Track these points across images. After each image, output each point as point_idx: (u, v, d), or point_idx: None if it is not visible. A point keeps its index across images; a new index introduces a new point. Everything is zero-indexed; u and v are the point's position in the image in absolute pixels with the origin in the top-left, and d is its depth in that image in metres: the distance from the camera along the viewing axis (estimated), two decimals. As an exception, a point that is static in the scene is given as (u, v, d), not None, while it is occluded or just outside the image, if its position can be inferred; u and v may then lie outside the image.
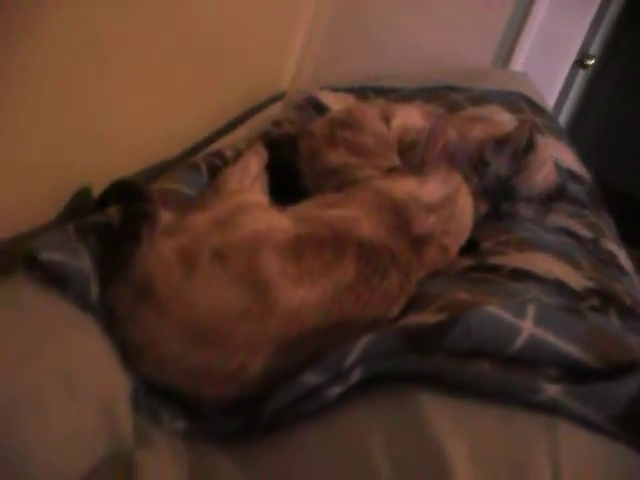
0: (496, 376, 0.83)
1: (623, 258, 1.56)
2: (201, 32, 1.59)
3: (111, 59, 1.20)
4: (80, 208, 1.21)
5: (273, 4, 2.16)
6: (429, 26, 2.58)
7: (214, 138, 1.81)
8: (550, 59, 2.74)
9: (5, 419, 0.74)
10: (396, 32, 2.59)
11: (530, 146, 1.55)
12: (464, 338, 0.86)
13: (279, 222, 1.12)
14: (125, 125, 1.34)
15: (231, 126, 1.94)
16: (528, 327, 0.87)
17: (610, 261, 1.48)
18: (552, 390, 0.81)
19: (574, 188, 1.78)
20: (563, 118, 3.85)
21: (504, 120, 1.84)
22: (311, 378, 0.89)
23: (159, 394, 0.97)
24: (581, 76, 4.02)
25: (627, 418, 0.81)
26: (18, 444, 0.74)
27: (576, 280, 1.26)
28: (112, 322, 0.95)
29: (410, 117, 1.74)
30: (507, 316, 0.87)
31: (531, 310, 0.89)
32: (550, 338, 0.86)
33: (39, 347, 0.84)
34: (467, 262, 1.32)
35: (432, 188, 1.34)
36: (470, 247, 1.38)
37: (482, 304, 0.89)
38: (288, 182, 1.51)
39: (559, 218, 1.58)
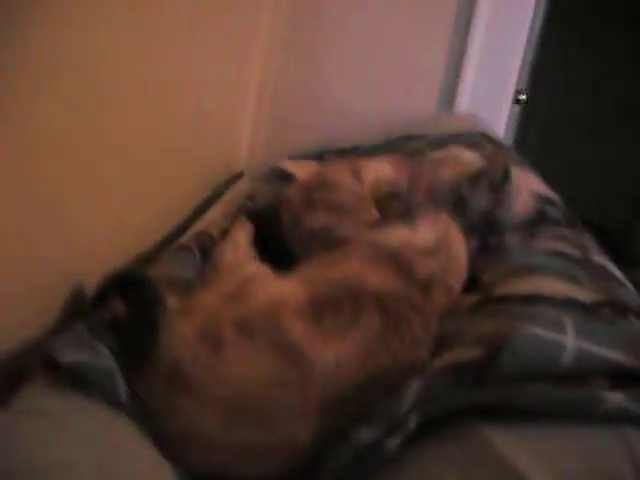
0: (556, 395, 0.82)
1: (614, 269, 1.57)
2: (154, 126, 1.58)
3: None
4: (78, 307, 1.18)
5: (220, 88, 2.19)
6: (372, 83, 2.64)
7: (188, 222, 1.80)
8: (491, 97, 2.81)
9: None
10: (341, 96, 2.65)
11: (506, 176, 1.57)
12: (513, 364, 0.85)
13: (288, 287, 1.11)
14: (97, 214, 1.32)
15: (199, 210, 1.93)
16: (571, 341, 0.86)
17: (605, 274, 1.49)
18: (614, 398, 0.80)
19: (552, 212, 1.80)
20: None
21: (469, 158, 1.86)
22: (367, 434, 0.87)
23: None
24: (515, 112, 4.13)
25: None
26: None
27: (583, 295, 1.27)
28: (146, 416, 0.92)
29: (380, 170, 1.76)
30: (548, 334, 0.87)
31: (568, 324, 0.89)
32: (593, 348, 0.86)
33: (79, 455, 0.80)
34: (472, 299, 1.32)
35: (424, 232, 1.35)
36: (471, 284, 1.38)
37: (521, 327, 0.88)
38: (275, 252, 1.50)
39: (546, 242, 1.59)
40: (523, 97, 3.76)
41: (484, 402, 0.85)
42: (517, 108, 4.16)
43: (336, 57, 2.71)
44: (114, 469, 0.79)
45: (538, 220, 1.62)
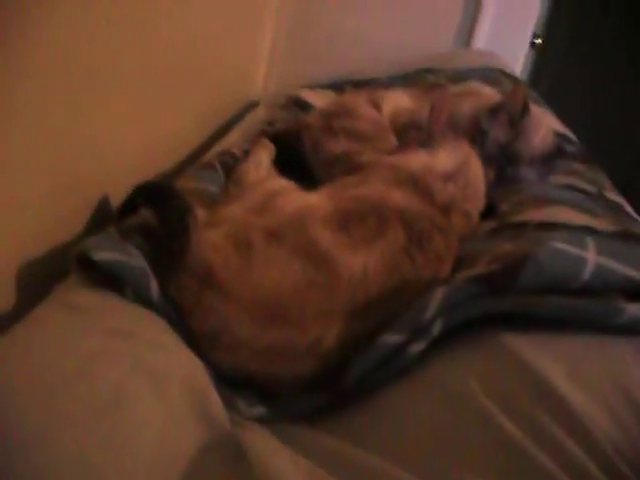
0: (577, 304, 0.85)
1: (627, 206, 1.59)
2: (173, 49, 1.59)
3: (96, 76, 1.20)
4: (104, 217, 1.20)
5: (237, 16, 2.18)
6: (390, 17, 2.63)
7: (208, 145, 1.81)
8: (509, 38, 2.79)
9: (100, 416, 0.73)
10: (357, 29, 2.63)
11: (525, 110, 1.58)
12: (537, 275, 0.87)
13: (314, 200, 1.14)
14: (117, 133, 1.34)
15: (218, 134, 1.95)
16: (592, 257, 0.89)
17: (619, 209, 1.52)
18: (632, 309, 0.83)
19: (567, 147, 1.81)
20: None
21: (488, 92, 1.87)
22: (391, 338, 0.90)
23: (230, 383, 0.96)
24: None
25: None
26: (112, 436, 0.72)
27: (600, 225, 1.29)
28: (178, 314, 0.95)
29: (399, 100, 1.77)
30: (572, 249, 0.89)
31: (590, 241, 0.91)
32: (614, 265, 0.89)
33: (116, 347, 0.83)
34: (490, 225, 1.34)
35: (444, 158, 1.37)
36: (488, 212, 1.40)
37: (546, 242, 0.91)
38: (296, 174, 1.52)
39: (561, 177, 1.61)
40: (539, 41, 3.76)
41: (506, 310, 0.87)
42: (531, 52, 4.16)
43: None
44: (150, 361, 0.83)
45: (555, 155, 1.63)
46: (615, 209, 1.51)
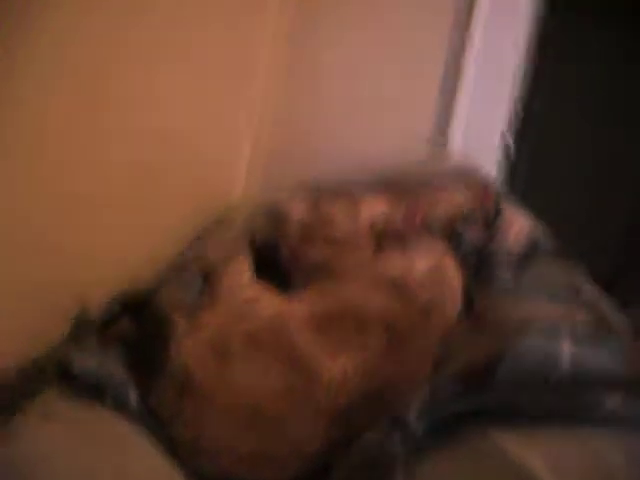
0: (557, 399, 0.86)
1: (604, 297, 1.62)
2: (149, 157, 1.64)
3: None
4: (83, 327, 1.22)
5: (217, 121, 2.25)
6: (368, 122, 2.71)
7: (186, 249, 1.83)
8: (482, 139, 2.88)
9: None
10: (336, 136, 2.71)
11: (497, 211, 1.63)
12: (514, 370, 0.89)
13: (293, 305, 1.16)
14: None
15: (197, 239, 1.98)
16: (568, 350, 0.91)
17: (595, 304, 1.54)
18: (611, 403, 0.84)
19: (541, 243, 1.85)
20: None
21: (462, 196, 1.92)
22: (374, 439, 0.90)
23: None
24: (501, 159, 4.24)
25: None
26: None
27: (576, 318, 1.31)
28: (156, 424, 0.95)
29: (376, 205, 1.81)
30: (547, 343, 0.91)
31: (566, 334, 0.93)
32: (590, 357, 0.91)
33: (96, 459, 0.83)
34: (467, 324, 1.36)
35: (421, 260, 1.40)
36: (465, 311, 1.42)
37: (520, 337, 0.93)
38: (276, 282, 1.54)
39: (536, 272, 1.64)
40: (510, 142, 3.89)
41: (489, 406, 0.88)
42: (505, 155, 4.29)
43: (333, 98, 2.78)
44: (130, 473, 0.83)
45: (529, 254, 1.67)
46: (590, 304, 1.54)
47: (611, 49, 4.84)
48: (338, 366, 0.99)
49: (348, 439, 0.91)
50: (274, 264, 1.60)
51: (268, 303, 1.18)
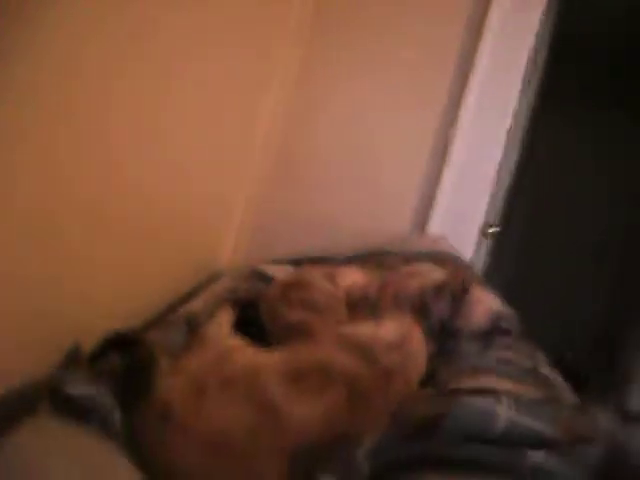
0: (488, 452, 0.96)
1: (560, 380, 1.73)
2: (143, 216, 1.77)
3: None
4: (75, 358, 1.32)
5: (209, 198, 2.39)
6: (352, 203, 2.87)
7: (173, 307, 1.95)
8: (461, 226, 3.03)
9: None
10: (321, 210, 2.87)
11: (465, 289, 1.75)
12: (454, 427, 0.99)
13: (266, 357, 1.27)
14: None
15: (182, 300, 2.09)
16: (505, 412, 1.01)
17: (550, 382, 1.65)
18: (535, 456, 0.95)
19: (505, 324, 1.97)
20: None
21: (435, 272, 2.05)
22: (325, 478, 1.00)
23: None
24: (484, 245, 4.39)
25: (600, 476, 0.95)
26: None
27: (525, 392, 1.42)
28: (137, 448, 1.05)
29: (353, 276, 1.94)
30: (485, 404, 1.02)
31: (504, 399, 1.04)
32: (524, 420, 1.01)
33: (78, 473, 0.93)
34: (428, 392, 1.46)
35: (389, 329, 1.50)
36: (427, 380, 1.53)
37: (463, 398, 1.04)
38: (254, 339, 1.65)
39: (497, 350, 1.76)
40: (492, 230, 4.04)
41: (431, 456, 0.98)
42: (488, 241, 4.45)
43: (320, 178, 2.95)
44: None
45: (493, 331, 1.78)
46: (545, 381, 1.65)
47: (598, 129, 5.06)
48: (303, 412, 1.10)
49: (304, 474, 1.01)
50: (254, 321, 1.71)
51: (244, 353, 1.29)
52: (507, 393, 1.14)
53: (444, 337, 1.71)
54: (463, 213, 3.01)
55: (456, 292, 1.74)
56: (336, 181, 2.92)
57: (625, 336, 5.01)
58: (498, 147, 3.07)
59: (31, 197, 1.19)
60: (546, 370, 1.75)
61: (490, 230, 4.00)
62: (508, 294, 2.47)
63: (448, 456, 0.98)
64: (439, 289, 1.76)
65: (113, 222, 1.54)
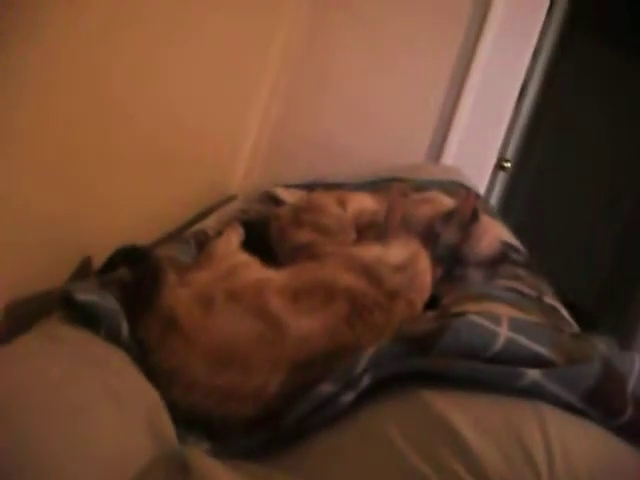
0: (484, 368, 0.98)
1: (564, 311, 1.75)
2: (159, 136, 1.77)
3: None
4: (85, 270, 1.35)
5: (223, 116, 2.39)
6: (367, 130, 2.86)
7: (185, 228, 1.98)
8: (475, 160, 3.01)
9: (66, 419, 0.86)
10: (336, 137, 2.86)
11: (474, 217, 1.76)
12: (454, 341, 1.01)
13: (272, 274, 1.29)
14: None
15: (193, 222, 2.12)
16: (504, 332, 1.03)
17: (554, 312, 1.67)
18: (532, 374, 0.97)
19: (512, 255, 1.99)
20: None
21: (445, 200, 2.05)
22: (326, 388, 1.03)
23: (182, 420, 1.08)
24: (501, 178, 4.39)
25: (593, 396, 0.97)
26: (74, 434, 0.85)
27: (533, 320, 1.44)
28: (142, 352, 1.09)
29: (363, 201, 1.95)
30: (487, 323, 1.04)
31: (505, 320, 1.06)
32: (523, 340, 1.03)
33: (85, 370, 0.97)
34: (431, 315, 1.48)
35: (395, 251, 1.52)
36: (432, 303, 1.55)
37: (465, 315, 1.06)
38: (262, 259, 1.67)
39: (505, 280, 1.77)
40: (507, 164, 4.03)
41: (425, 368, 1.01)
42: (504, 176, 4.45)
43: (336, 105, 2.93)
44: (114, 385, 0.96)
45: (500, 260, 1.80)
46: (550, 311, 1.67)
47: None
48: (304, 326, 1.12)
49: (305, 387, 1.04)
50: (263, 242, 1.73)
51: (251, 269, 1.32)
52: (506, 316, 1.15)
53: (451, 263, 1.72)
54: (478, 146, 2.99)
55: (465, 220, 1.75)
56: (352, 110, 2.90)
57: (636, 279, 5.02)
58: (516, 81, 3.03)
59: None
60: (551, 301, 1.77)
61: (505, 164, 4.01)
62: (521, 228, 2.49)
63: (445, 372, 1.00)
64: (448, 216, 1.77)
65: (126, 147, 1.55)
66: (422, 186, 2.31)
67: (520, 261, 1.96)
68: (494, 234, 1.82)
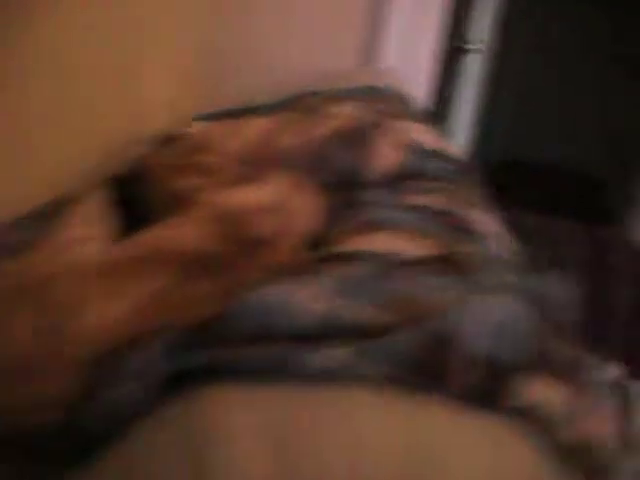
0: (259, 355, 0.82)
1: (481, 223, 1.56)
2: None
3: None
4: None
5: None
6: (295, 39, 2.63)
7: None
8: (419, 50, 2.78)
9: None
10: (264, 51, 2.63)
11: (372, 131, 1.58)
12: (248, 322, 0.85)
13: (100, 251, 1.14)
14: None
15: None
16: (320, 306, 0.87)
17: (462, 227, 1.49)
18: (337, 355, 0.81)
19: (435, 166, 1.78)
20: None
21: (347, 115, 1.84)
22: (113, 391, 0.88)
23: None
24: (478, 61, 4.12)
25: (422, 364, 0.81)
26: None
27: (418, 251, 1.27)
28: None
29: (258, 126, 1.75)
30: (283, 295, 0.88)
31: (328, 282, 0.90)
32: (342, 307, 0.87)
33: None
34: (315, 255, 1.32)
35: (266, 191, 1.36)
36: (317, 241, 1.38)
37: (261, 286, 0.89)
38: (135, 216, 1.51)
39: (409, 197, 1.58)
40: (475, 47, 3.78)
41: (219, 361, 0.85)
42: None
43: (260, 15, 2.69)
44: None
45: (406, 175, 1.61)
46: (458, 227, 1.48)
47: None
48: (109, 310, 0.96)
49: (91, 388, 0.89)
50: (137, 196, 1.57)
51: (77, 251, 1.15)
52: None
53: (347, 189, 1.54)
54: (413, 49, 2.75)
55: (356, 137, 1.56)
56: (279, 21, 2.65)
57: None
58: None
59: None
60: (466, 212, 1.58)
61: (474, 47, 3.76)
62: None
63: (232, 362, 0.84)
64: (341, 135, 1.58)
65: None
66: (337, 96, 2.11)
67: (442, 174, 1.75)
68: (390, 148, 1.62)
